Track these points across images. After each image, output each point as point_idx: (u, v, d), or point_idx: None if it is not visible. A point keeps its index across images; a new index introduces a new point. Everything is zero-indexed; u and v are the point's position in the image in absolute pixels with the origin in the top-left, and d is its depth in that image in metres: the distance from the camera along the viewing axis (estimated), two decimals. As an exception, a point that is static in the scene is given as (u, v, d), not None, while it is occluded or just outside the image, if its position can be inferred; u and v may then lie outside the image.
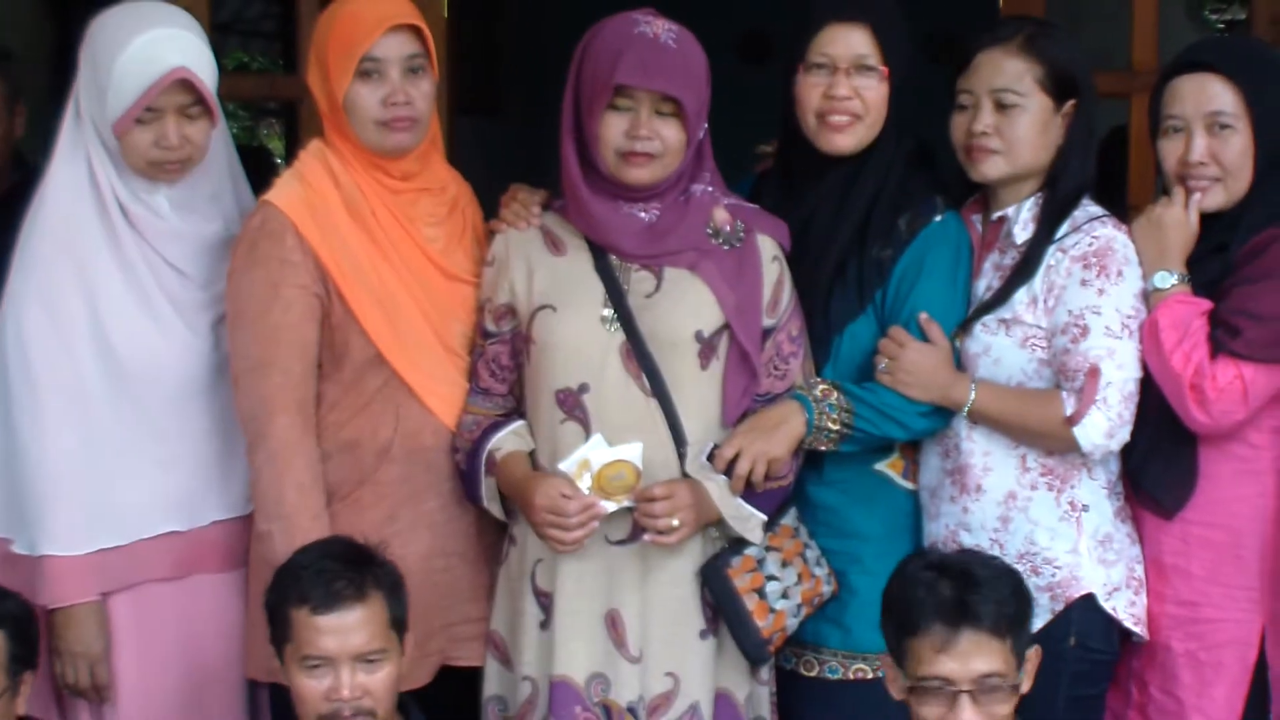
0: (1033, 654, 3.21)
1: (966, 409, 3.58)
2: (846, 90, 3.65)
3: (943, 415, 3.62)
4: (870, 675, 3.64)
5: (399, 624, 3.35)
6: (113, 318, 3.61)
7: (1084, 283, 3.53)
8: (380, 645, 3.30)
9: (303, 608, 3.27)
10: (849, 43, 3.66)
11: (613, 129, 3.50)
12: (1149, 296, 3.57)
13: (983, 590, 3.14)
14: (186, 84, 3.54)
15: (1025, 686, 3.20)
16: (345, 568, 3.32)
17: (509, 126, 7.32)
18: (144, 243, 3.63)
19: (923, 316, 3.61)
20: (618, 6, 3.58)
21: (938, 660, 3.10)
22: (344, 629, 3.27)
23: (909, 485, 3.75)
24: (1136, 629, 3.54)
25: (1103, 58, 4.99)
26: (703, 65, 3.56)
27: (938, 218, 3.68)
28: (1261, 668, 3.56)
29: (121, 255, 3.64)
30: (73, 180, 3.66)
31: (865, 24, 3.64)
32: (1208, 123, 3.56)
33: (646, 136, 3.49)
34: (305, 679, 3.28)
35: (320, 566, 3.33)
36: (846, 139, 3.67)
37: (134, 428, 3.65)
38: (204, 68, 3.59)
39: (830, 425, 3.55)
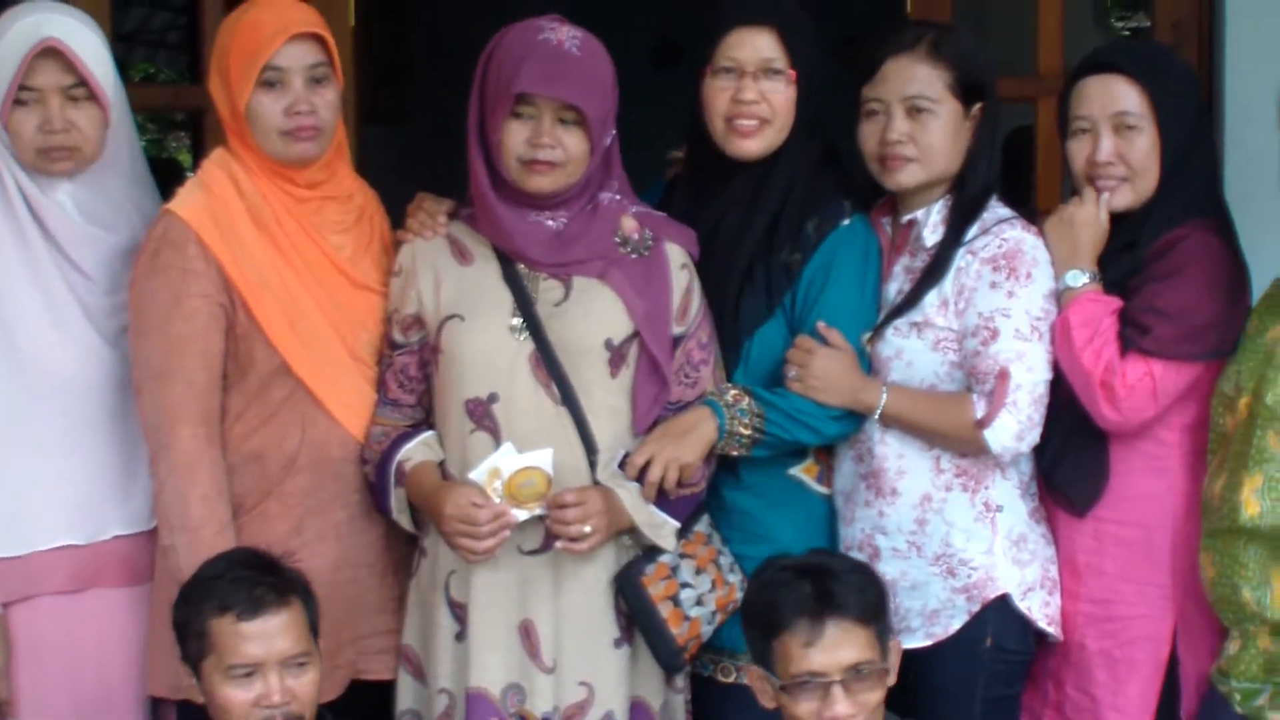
0: (894, 645, 3.26)
1: (878, 413, 3.60)
2: (754, 94, 3.66)
3: (854, 419, 3.64)
4: None
5: (315, 629, 3.35)
6: (18, 322, 3.60)
7: (993, 285, 3.56)
8: (305, 648, 3.31)
9: (224, 616, 3.25)
10: (755, 46, 3.66)
11: (515, 137, 3.51)
12: (1061, 295, 3.60)
13: (840, 580, 3.18)
14: (65, 62, 3.52)
15: (891, 679, 3.23)
16: (261, 574, 3.32)
17: (418, 136, 7.37)
18: (53, 246, 3.61)
19: (820, 325, 3.65)
20: (529, 14, 3.60)
21: (806, 655, 3.13)
22: (269, 634, 3.26)
23: (823, 490, 3.77)
24: (1050, 629, 3.56)
25: (1009, 63, 5.11)
26: (608, 73, 3.58)
27: (845, 221, 3.70)
28: (1174, 664, 3.61)
29: (30, 259, 3.62)
30: None
31: (772, 27, 3.66)
32: (1114, 123, 3.60)
33: (549, 145, 3.49)
34: (232, 690, 3.26)
35: (236, 575, 3.31)
36: (754, 144, 3.69)
37: (34, 434, 3.63)
38: (86, 49, 3.58)
39: (742, 430, 3.57)
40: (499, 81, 3.52)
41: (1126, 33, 8.67)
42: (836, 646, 3.12)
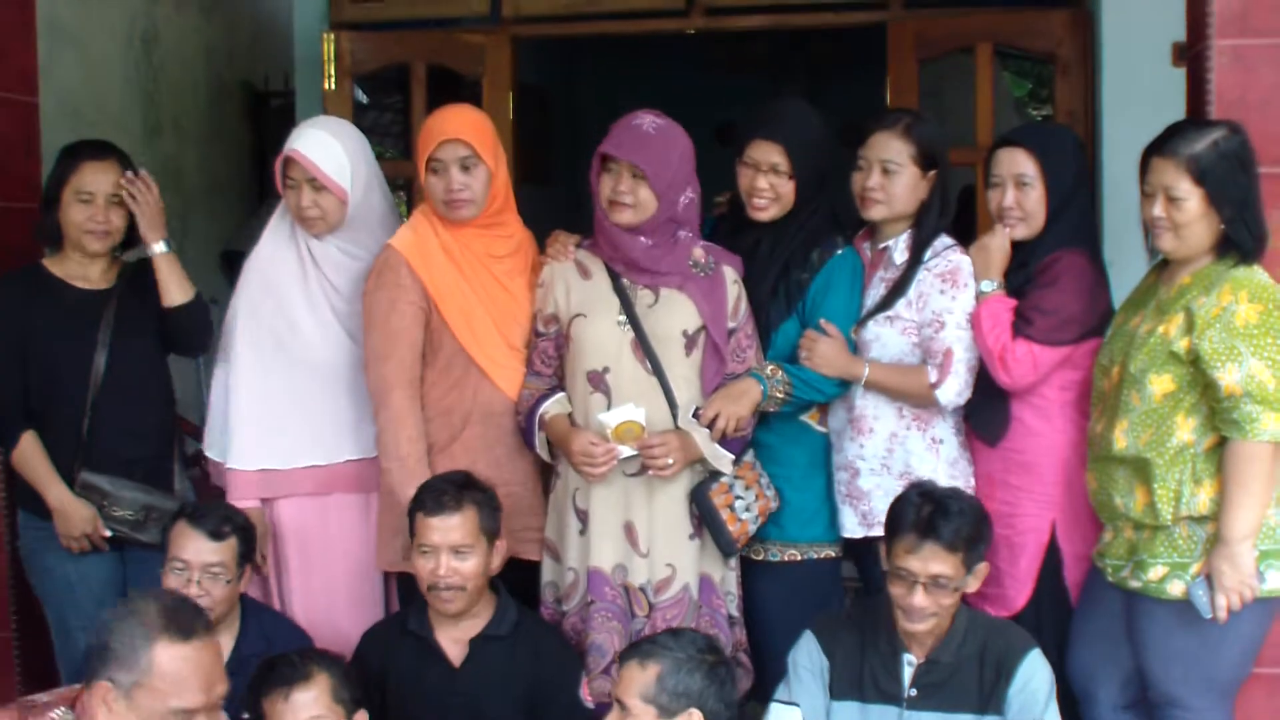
0: (981, 567, 3.72)
1: (862, 381, 4.14)
2: (764, 184, 4.16)
3: (847, 385, 4.17)
4: (800, 558, 4.23)
5: (490, 531, 3.88)
6: (295, 321, 4.23)
7: (942, 292, 4.13)
8: (468, 542, 3.82)
9: (419, 512, 3.87)
10: (766, 154, 4.16)
11: (605, 185, 4.02)
12: (977, 297, 4.09)
13: (948, 516, 3.64)
14: (304, 165, 4.11)
15: (971, 588, 3.73)
16: (451, 488, 3.88)
17: (555, 191, 7.76)
18: (320, 272, 4.25)
19: (822, 321, 4.12)
20: (636, 105, 4.11)
21: (906, 558, 3.65)
22: (445, 528, 3.82)
23: (822, 429, 4.28)
24: None
25: (958, 137, 5.74)
26: (676, 147, 4.01)
27: (839, 251, 4.22)
28: (1051, 549, 4.11)
29: (304, 280, 4.23)
30: (278, 241, 4.28)
31: (778, 143, 4.13)
32: (1015, 181, 4.11)
33: (623, 191, 3.99)
34: (420, 561, 3.86)
35: (437, 487, 3.90)
36: (765, 214, 4.21)
37: (300, 394, 4.23)
38: (318, 155, 4.13)
39: (778, 394, 4.09)
40: (599, 147, 4.06)
41: (1039, 118, 8.52)
42: (927, 560, 3.62)
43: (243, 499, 4.26)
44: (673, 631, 3.67)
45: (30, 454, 4.43)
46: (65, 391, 4.41)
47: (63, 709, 3.00)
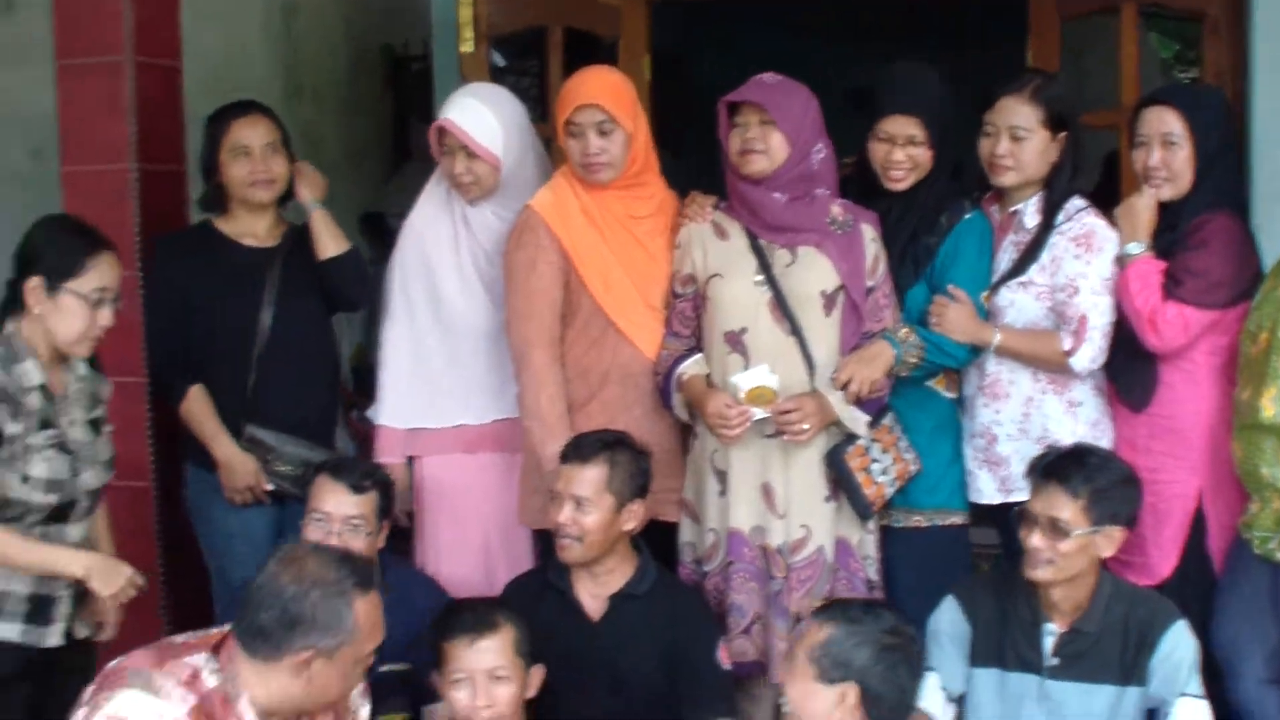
0: (1115, 531, 3.71)
1: (993, 347, 4.18)
2: (901, 157, 4.21)
3: (979, 351, 4.22)
4: (925, 525, 4.30)
5: (623, 493, 3.93)
6: (443, 288, 4.40)
7: (1076, 256, 4.15)
8: (589, 496, 3.90)
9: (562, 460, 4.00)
10: (903, 127, 4.20)
11: (735, 138, 4.11)
12: (1123, 259, 4.10)
13: (1080, 464, 3.71)
14: (456, 134, 4.25)
15: (1104, 551, 3.71)
16: (593, 442, 3.96)
17: (689, 159, 7.75)
18: (471, 234, 4.39)
19: (950, 287, 4.18)
20: (764, 70, 4.15)
21: (1032, 500, 3.75)
22: (569, 479, 3.94)
23: (950, 395, 4.34)
24: None
25: (1101, 99, 5.69)
26: (799, 95, 4.10)
27: (967, 215, 4.27)
28: (1197, 516, 4.12)
29: (456, 246, 4.39)
30: (434, 206, 4.44)
31: (916, 116, 4.17)
32: (1162, 140, 4.13)
33: (753, 139, 4.06)
34: (552, 505, 3.97)
35: (581, 439, 3.99)
36: (899, 186, 4.26)
37: (451, 355, 4.40)
38: (469, 124, 4.25)
39: (910, 359, 4.14)
40: (722, 99, 4.14)
41: (1186, 80, 8.41)
42: (1048, 502, 3.69)
43: (388, 455, 4.42)
44: (868, 604, 3.61)
45: (198, 408, 4.59)
46: (231, 348, 4.56)
47: (205, 654, 3.07)
